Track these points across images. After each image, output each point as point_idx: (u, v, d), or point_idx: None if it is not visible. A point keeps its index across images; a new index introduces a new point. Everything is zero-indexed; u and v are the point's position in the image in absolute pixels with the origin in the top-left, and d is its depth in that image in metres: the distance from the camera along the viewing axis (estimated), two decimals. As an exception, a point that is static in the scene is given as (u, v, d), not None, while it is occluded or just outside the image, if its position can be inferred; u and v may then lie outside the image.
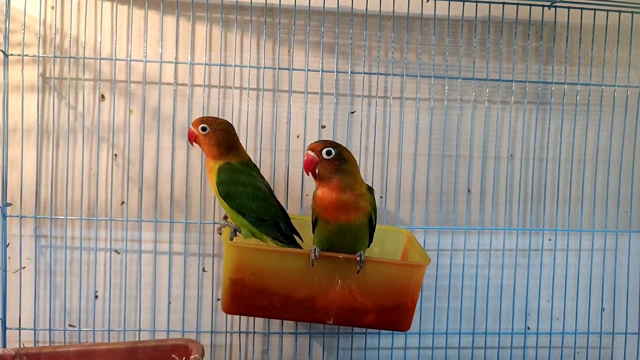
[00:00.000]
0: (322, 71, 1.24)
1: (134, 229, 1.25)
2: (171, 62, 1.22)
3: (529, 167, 1.33)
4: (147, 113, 1.23)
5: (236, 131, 1.11)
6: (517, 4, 1.25)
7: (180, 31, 1.24)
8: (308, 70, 1.24)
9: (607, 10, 1.26)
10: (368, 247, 1.05)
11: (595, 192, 1.32)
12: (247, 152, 1.15)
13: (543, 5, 1.26)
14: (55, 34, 1.21)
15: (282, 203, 1.20)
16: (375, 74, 1.26)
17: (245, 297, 1.00)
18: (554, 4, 1.24)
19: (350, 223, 0.98)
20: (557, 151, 1.31)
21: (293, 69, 1.25)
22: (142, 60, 1.21)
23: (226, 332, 1.29)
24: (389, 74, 1.26)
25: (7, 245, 1.23)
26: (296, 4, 1.22)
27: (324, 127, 1.27)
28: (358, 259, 0.98)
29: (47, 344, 1.24)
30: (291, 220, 1.12)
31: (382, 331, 1.31)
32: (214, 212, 1.27)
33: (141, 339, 1.24)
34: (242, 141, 1.17)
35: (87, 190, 1.24)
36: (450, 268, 1.30)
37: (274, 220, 1.08)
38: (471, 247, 1.31)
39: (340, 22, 1.24)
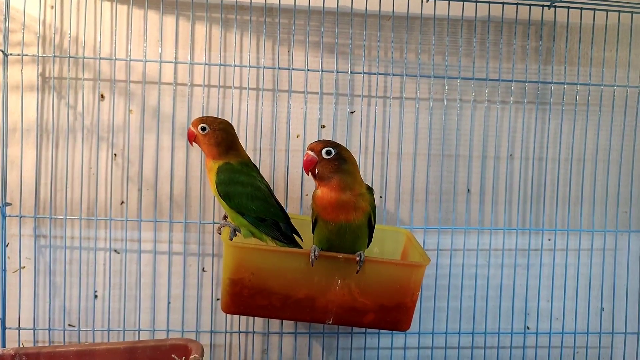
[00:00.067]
0: (322, 71, 1.24)
1: (133, 228, 1.25)
2: (171, 62, 1.22)
3: (528, 167, 1.33)
4: (147, 113, 1.23)
5: (236, 131, 1.11)
6: (517, 4, 1.25)
7: (180, 31, 1.24)
8: (308, 70, 1.24)
9: (607, 10, 1.26)
10: (367, 247, 1.05)
11: (595, 192, 1.32)
12: (247, 152, 1.15)
13: (543, 5, 1.26)
14: (54, 33, 1.21)
15: (282, 203, 1.20)
16: (374, 73, 1.26)
17: (245, 297, 1.00)
18: (554, 4, 1.24)
19: (349, 223, 0.98)
20: (556, 151, 1.31)
21: (293, 69, 1.25)
22: (141, 60, 1.21)
23: (226, 331, 1.29)
24: (389, 74, 1.26)
25: (7, 245, 1.23)
26: (296, 3, 1.22)
27: (324, 127, 1.27)
28: (358, 258, 0.98)
29: (47, 344, 1.24)
30: (291, 220, 1.12)
31: (381, 331, 1.31)
32: (214, 212, 1.27)
33: (141, 339, 1.24)
34: (242, 141, 1.17)
35: (86, 190, 1.24)
36: (449, 268, 1.30)
37: (274, 220, 1.08)
38: (471, 247, 1.31)
39: (339, 22, 1.24)
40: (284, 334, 1.31)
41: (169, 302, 1.27)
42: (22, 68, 1.19)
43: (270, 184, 1.22)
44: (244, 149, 1.14)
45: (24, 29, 1.19)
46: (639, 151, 1.33)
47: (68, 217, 1.23)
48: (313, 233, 1.03)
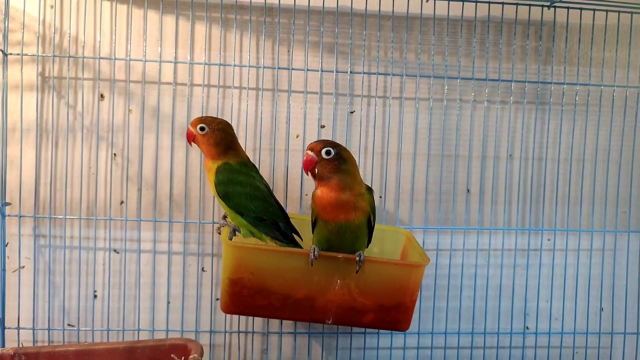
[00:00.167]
0: (322, 71, 1.24)
1: (133, 228, 1.25)
2: (170, 62, 1.22)
3: (528, 167, 1.33)
4: (147, 112, 1.23)
5: (235, 131, 1.11)
6: (517, 4, 1.25)
7: (180, 31, 1.24)
8: (307, 70, 1.24)
9: (607, 11, 1.26)
10: (367, 246, 1.05)
11: (594, 192, 1.32)
12: (246, 152, 1.15)
13: (542, 6, 1.26)
14: (54, 33, 1.21)
15: (282, 203, 1.20)
16: (374, 73, 1.26)
17: (245, 297, 1.00)
18: (553, 4, 1.24)
19: (349, 223, 0.98)
20: (556, 151, 1.31)
21: (292, 69, 1.25)
22: (141, 60, 1.21)
23: (225, 331, 1.29)
24: (389, 74, 1.26)
25: (6, 245, 1.23)
26: (295, 3, 1.22)
27: (324, 126, 1.27)
28: (357, 258, 0.98)
29: (46, 344, 1.24)
30: (290, 220, 1.12)
31: (381, 331, 1.31)
32: (213, 212, 1.27)
33: (140, 339, 1.24)
34: (241, 141, 1.17)
35: (86, 190, 1.24)
36: (449, 268, 1.31)
37: (273, 219, 1.08)
38: (470, 247, 1.31)
39: (339, 22, 1.24)
40: (283, 334, 1.31)
41: (168, 302, 1.27)
42: (22, 68, 1.19)
43: (270, 184, 1.22)
44: (244, 149, 1.14)
45: (23, 28, 1.19)
46: (638, 151, 1.33)
47: (67, 217, 1.23)
48: (313, 233, 1.03)
